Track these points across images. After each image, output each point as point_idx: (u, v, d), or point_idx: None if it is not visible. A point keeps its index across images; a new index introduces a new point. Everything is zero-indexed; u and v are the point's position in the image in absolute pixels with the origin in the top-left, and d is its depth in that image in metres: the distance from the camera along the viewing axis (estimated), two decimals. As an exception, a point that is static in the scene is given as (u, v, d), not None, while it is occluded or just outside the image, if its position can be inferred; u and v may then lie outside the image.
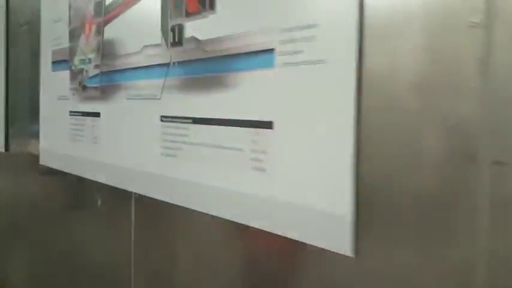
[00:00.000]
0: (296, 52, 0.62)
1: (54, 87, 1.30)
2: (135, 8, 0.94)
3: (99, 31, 1.06)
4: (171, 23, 0.83)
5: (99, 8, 1.05)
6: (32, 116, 1.50)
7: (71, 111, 1.21)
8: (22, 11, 1.59)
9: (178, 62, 0.83)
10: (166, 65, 0.86)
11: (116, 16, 1.00)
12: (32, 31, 1.51)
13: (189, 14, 0.80)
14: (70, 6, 1.19)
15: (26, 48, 1.57)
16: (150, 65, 0.90)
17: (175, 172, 0.85)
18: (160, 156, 0.89)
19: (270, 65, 0.65)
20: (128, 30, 0.97)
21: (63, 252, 1.33)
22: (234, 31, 0.71)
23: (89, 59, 1.11)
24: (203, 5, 0.76)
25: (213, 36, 0.75)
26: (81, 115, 1.16)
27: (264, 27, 0.66)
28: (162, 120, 0.88)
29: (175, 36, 0.83)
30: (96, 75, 1.08)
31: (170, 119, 0.86)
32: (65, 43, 1.23)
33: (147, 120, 0.92)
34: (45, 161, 1.39)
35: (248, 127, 0.69)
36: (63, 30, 1.23)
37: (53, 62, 1.30)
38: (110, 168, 1.04)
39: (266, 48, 0.66)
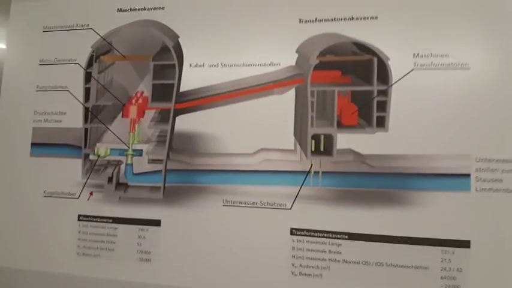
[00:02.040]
0: (495, 181, 0.71)
1: (34, 179, 0.92)
2: (246, 104, 0.83)
3: (165, 120, 0.86)
4: (313, 131, 0.79)
5: (166, 92, 0.87)
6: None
7: (83, 216, 0.88)
8: None
9: (325, 172, 0.78)
10: (301, 172, 0.79)
11: (198, 107, 0.85)
12: None
13: (342, 126, 0.78)
14: (88, 76, 0.91)
15: None
16: (273, 171, 0.80)
17: (316, 294, 0.76)
18: (292, 276, 0.77)
19: (466, 188, 0.72)
20: (225, 126, 0.83)
21: None
22: (414, 152, 0.75)
23: (137, 150, 0.87)
24: (368, 121, 0.77)
25: (381, 153, 0.76)
26: (112, 222, 0.86)
27: (457, 154, 0.73)
28: (292, 234, 0.78)
29: (319, 145, 0.79)
30: (156, 172, 0.85)
31: (308, 233, 0.78)
32: (69, 122, 0.91)
33: (263, 233, 0.79)
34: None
35: (438, 246, 0.72)
36: (68, 104, 0.92)
37: (34, 144, 0.93)
38: (185, 294, 0.81)
39: (461, 173, 0.73)
